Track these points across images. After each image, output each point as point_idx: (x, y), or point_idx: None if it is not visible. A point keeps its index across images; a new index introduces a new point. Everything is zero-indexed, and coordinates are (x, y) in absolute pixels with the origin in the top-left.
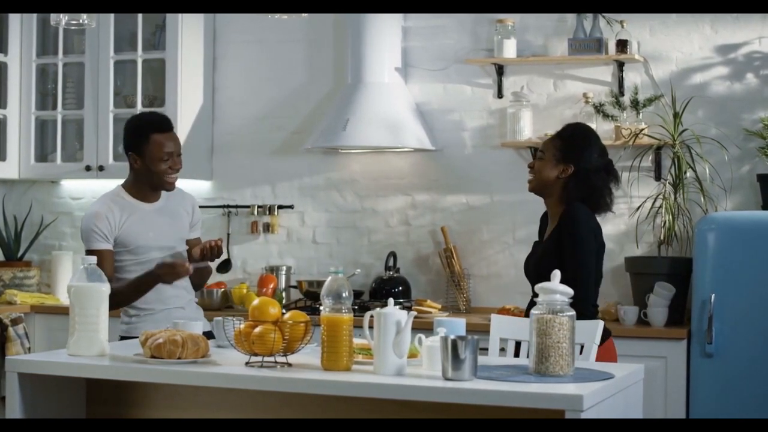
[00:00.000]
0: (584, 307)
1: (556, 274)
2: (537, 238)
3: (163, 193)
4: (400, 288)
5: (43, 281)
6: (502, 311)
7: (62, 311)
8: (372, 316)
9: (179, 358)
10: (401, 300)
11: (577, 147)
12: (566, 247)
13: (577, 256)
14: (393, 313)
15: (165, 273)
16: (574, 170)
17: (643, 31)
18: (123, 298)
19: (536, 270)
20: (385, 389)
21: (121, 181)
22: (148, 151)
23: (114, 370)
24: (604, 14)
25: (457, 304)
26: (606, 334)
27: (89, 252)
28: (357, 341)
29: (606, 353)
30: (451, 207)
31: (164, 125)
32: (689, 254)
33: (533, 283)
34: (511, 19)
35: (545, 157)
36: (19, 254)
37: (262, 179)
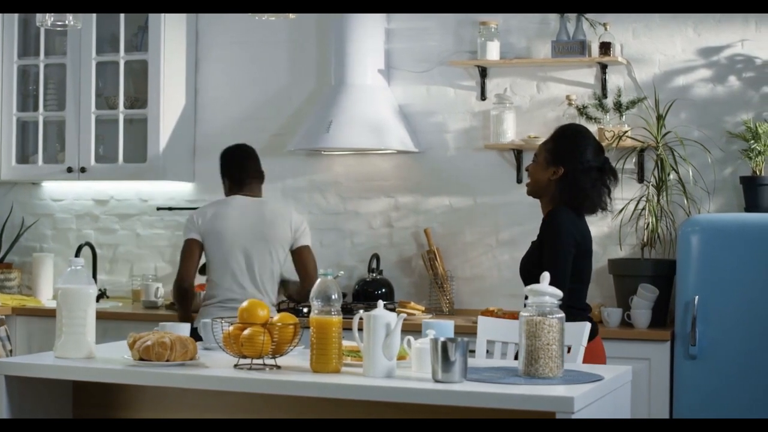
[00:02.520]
0: None
1: (545, 276)
2: (533, 239)
3: None
4: (383, 290)
5: (24, 283)
6: (486, 313)
7: (43, 313)
8: (361, 318)
9: (167, 361)
10: (384, 302)
11: (566, 148)
12: (544, 249)
13: (551, 259)
14: (383, 315)
15: None
16: (564, 172)
17: (626, 34)
18: None
19: (523, 269)
20: (375, 391)
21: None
22: None
23: (103, 372)
24: (587, 16)
25: (440, 306)
26: (593, 333)
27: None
28: (344, 343)
29: (590, 352)
30: (434, 209)
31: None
32: (672, 256)
33: (524, 282)
34: (495, 21)
35: (538, 160)
36: (0, 256)
37: None
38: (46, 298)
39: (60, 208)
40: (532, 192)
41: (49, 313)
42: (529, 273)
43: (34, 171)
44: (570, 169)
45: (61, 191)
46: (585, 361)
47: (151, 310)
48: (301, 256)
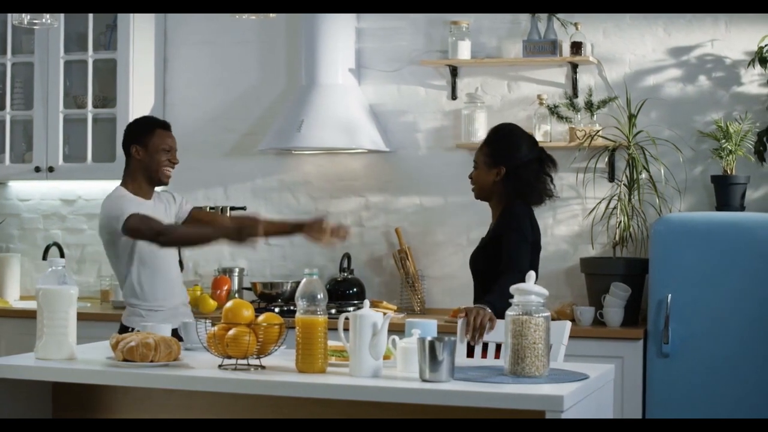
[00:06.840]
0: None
1: (531, 275)
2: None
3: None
4: (355, 290)
5: None
6: (455, 313)
7: (11, 314)
8: (347, 318)
9: (152, 361)
10: (355, 302)
11: (503, 148)
12: (504, 237)
13: (514, 252)
14: (370, 315)
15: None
16: (506, 170)
17: (597, 34)
18: (185, 241)
19: (473, 264)
20: (363, 391)
21: (81, 182)
22: (152, 143)
23: (87, 374)
24: (558, 16)
25: (411, 306)
26: None
27: (130, 216)
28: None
29: None
30: (405, 208)
31: (167, 125)
32: (644, 255)
33: (473, 276)
34: (466, 20)
35: (478, 165)
36: None
37: (214, 181)
38: (13, 299)
39: (27, 208)
40: (480, 196)
41: (17, 314)
42: (479, 272)
43: (1, 171)
44: (510, 167)
45: (28, 191)
46: None
47: (120, 310)
48: None
